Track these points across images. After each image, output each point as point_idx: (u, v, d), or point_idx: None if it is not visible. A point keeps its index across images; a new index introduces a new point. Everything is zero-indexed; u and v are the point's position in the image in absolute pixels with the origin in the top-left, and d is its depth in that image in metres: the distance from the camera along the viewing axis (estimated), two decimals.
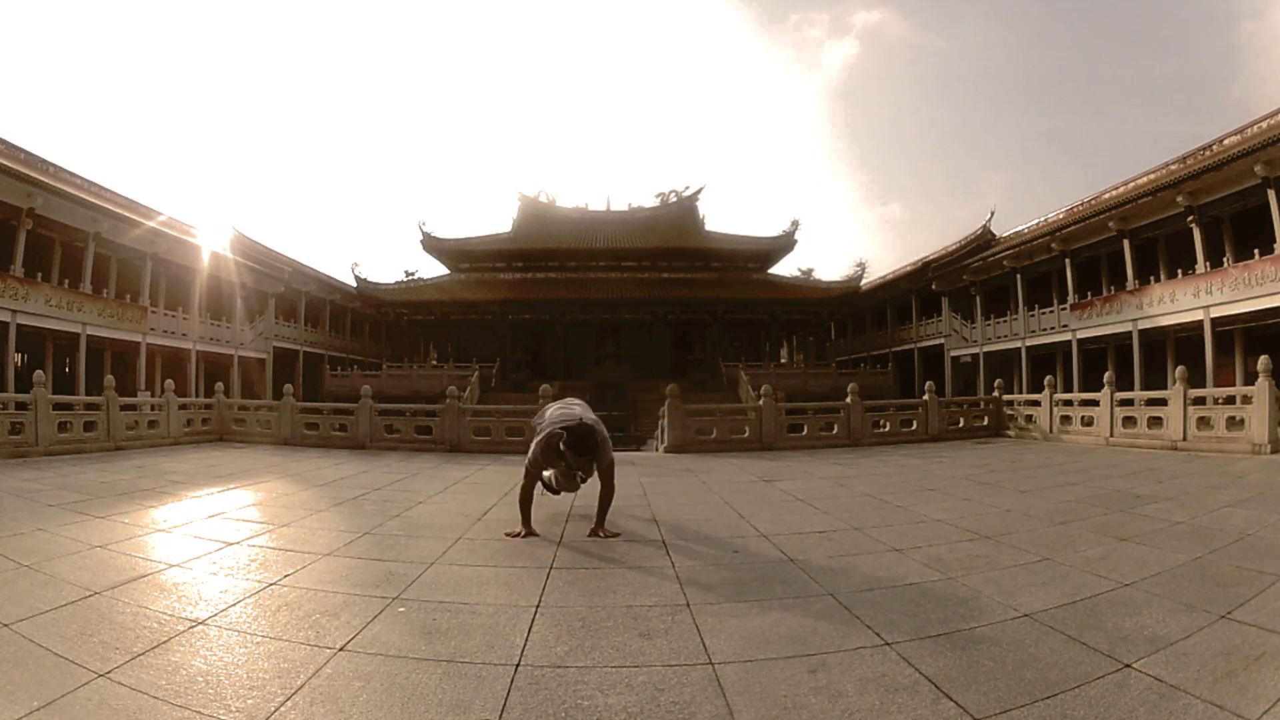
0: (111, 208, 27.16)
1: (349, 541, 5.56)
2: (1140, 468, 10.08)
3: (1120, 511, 6.61)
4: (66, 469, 10.33)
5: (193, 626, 3.49)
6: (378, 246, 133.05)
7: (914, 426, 16.41)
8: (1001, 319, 34.62)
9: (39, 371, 13.13)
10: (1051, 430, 15.99)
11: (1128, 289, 26.89)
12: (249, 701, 2.65)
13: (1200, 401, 13.93)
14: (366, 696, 2.70)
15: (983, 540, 5.53)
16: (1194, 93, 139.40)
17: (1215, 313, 22.69)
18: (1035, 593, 4.06)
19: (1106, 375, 15.22)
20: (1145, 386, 22.27)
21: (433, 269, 46.38)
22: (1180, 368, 13.94)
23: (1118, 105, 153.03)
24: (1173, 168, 26.77)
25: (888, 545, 5.39)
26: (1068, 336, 29.94)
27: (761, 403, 15.21)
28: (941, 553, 5.13)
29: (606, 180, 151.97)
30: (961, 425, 17.28)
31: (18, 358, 23.11)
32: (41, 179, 23.83)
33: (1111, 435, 14.33)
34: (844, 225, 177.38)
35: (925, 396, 16.80)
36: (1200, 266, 23.68)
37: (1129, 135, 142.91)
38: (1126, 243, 27.26)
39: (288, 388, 16.32)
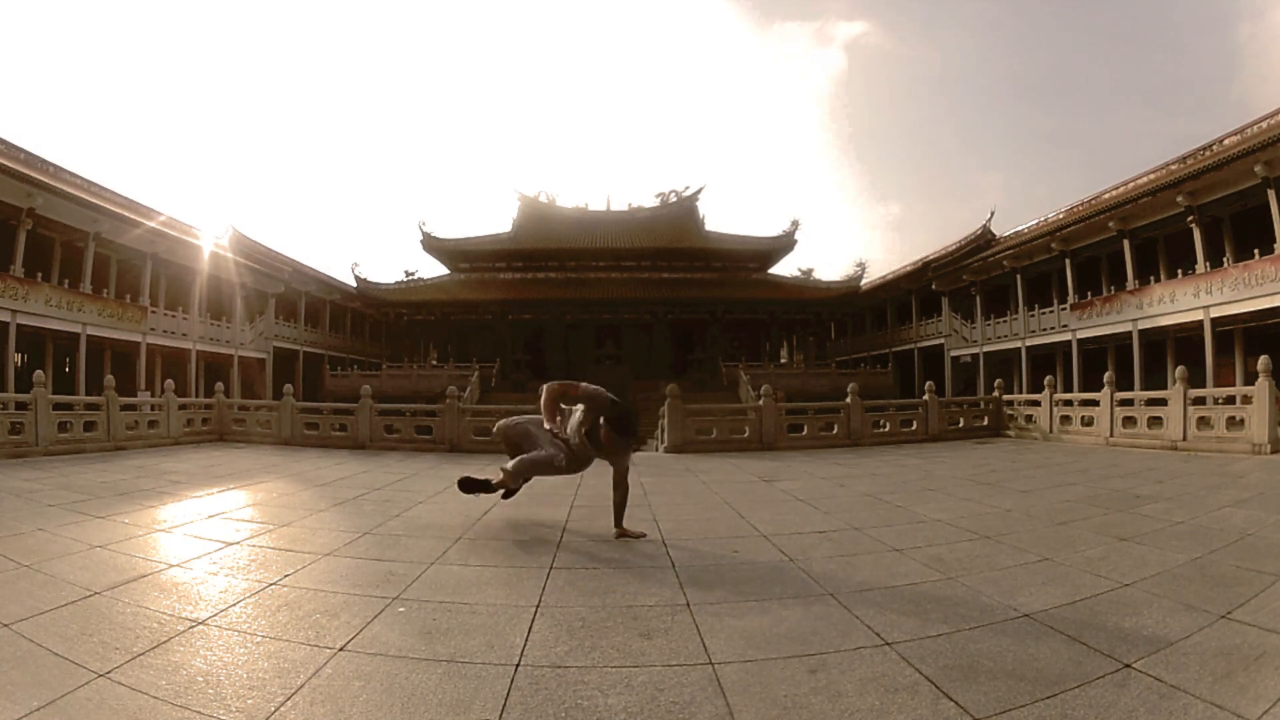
0: (111, 208, 27.18)
1: (349, 541, 5.54)
2: (1140, 468, 10.07)
3: (1120, 511, 6.60)
4: (66, 469, 10.30)
5: (193, 626, 3.48)
6: (378, 247, 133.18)
7: (914, 426, 16.40)
8: (1001, 319, 34.68)
9: (39, 371, 13.11)
10: (1051, 430, 15.98)
11: (1128, 289, 26.93)
12: (249, 701, 2.64)
13: (1200, 401, 13.92)
14: (366, 697, 2.69)
15: (983, 540, 5.52)
16: (1194, 93, 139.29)
17: (1215, 313, 22.72)
18: (1035, 593, 4.05)
19: (1106, 375, 15.22)
20: (1145, 386, 22.29)
21: (433, 269, 46.45)
22: (1180, 368, 13.95)
23: (1118, 106, 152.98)
24: (1173, 168, 26.75)
25: (888, 545, 5.38)
26: (1068, 337, 29.98)
27: (761, 403, 15.20)
28: (941, 553, 5.13)
29: (606, 181, 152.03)
30: (961, 425, 17.28)
31: (18, 358, 23.10)
32: (41, 179, 23.83)
33: (1111, 435, 14.32)
34: (843, 226, 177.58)
35: (925, 396, 16.81)
36: (1200, 266, 23.71)
37: (1129, 135, 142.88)
38: (1127, 243, 27.30)
39: (288, 388, 16.31)
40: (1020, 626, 3.49)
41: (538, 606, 3.85)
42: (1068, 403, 16.31)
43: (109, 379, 14.50)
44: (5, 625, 3.41)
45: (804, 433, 15.50)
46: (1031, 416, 16.86)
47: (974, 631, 3.44)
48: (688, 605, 3.86)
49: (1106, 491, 7.92)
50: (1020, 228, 36.85)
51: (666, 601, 3.94)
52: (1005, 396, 18.37)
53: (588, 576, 4.53)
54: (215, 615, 3.67)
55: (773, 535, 5.78)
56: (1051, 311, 31.38)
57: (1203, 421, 12.85)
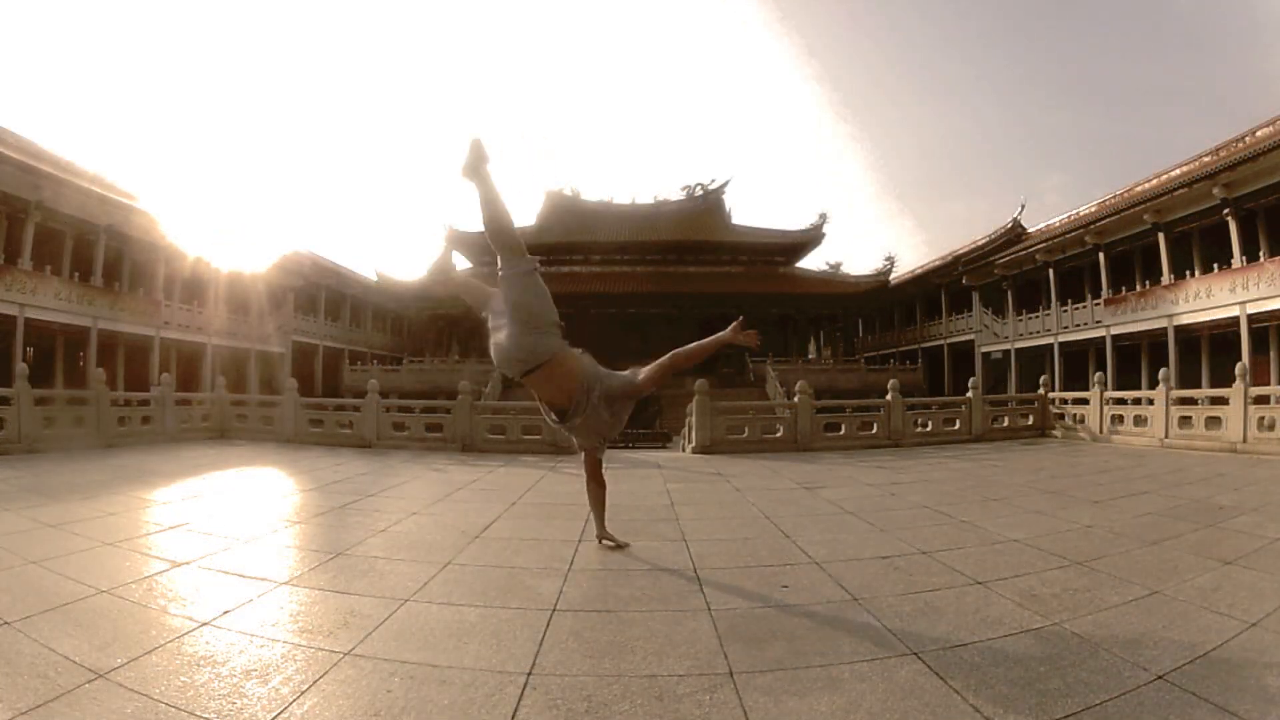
0: (123, 200, 26.74)
1: (316, 565, 4.67)
2: (1207, 473, 9.35)
3: (1209, 526, 5.86)
4: (44, 468, 9.58)
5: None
6: (402, 243, 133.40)
7: (957, 426, 15.48)
8: (1033, 314, 33.70)
9: (22, 364, 12.45)
10: (1101, 431, 15.04)
11: (1163, 284, 26.00)
12: None
13: (1262, 400, 12.93)
14: None
15: (1075, 567, 4.62)
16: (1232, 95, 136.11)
17: (1252, 309, 21.86)
18: (1159, 642, 3.27)
19: (1162, 373, 14.37)
20: (1180, 384, 21.46)
21: (458, 263, 45.99)
22: (1240, 364, 13.26)
23: (1171, 108, 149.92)
24: (1205, 159, 26.14)
25: (967, 576, 4.44)
26: (1101, 333, 29.01)
27: (797, 400, 14.31)
28: (1032, 585, 4.21)
29: (632, 174, 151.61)
30: (1005, 425, 16.35)
31: (26, 352, 22.57)
32: (51, 171, 23.46)
33: (1166, 436, 13.46)
34: (873, 221, 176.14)
35: (969, 394, 15.83)
36: (1236, 261, 22.87)
37: (1178, 137, 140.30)
38: (1161, 236, 26.30)
39: (291, 382, 15.45)
40: (1159, 696, 2.70)
41: (529, 673, 2.91)
42: (1119, 401, 15.37)
43: (98, 372, 13.81)
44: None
45: (841, 432, 14.58)
46: (1080, 416, 15.88)
47: (1108, 709, 2.61)
48: (730, 674, 2.91)
49: (1185, 501, 7.15)
50: (1052, 220, 36.48)
51: (702, 667, 2.99)
52: (1050, 395, 17.32)
53: (599, 625, 3.58)
54: (113, 671, 2.81)
55: (826, 563, 4.81)
56: (1084, 307, 30.46)
57: (1261, 422, 12.08)
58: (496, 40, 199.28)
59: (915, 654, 3.15)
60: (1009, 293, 35.55)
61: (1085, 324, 30.15)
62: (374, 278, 42.63)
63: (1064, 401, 16.84)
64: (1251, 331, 22.05)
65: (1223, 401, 12.93)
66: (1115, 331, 28.28)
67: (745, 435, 14.09)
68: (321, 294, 41.01)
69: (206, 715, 2.45)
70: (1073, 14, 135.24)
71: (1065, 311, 31.28)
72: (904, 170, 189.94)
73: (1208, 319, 23.81)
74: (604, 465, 5.09)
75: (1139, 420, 14.42)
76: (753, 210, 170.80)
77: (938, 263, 42.61)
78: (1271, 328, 22.73)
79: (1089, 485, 8.56)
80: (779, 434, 14.18)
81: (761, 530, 6.01)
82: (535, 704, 2.64)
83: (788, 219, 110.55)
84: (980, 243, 39.71)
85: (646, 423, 31.61)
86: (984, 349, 36.97)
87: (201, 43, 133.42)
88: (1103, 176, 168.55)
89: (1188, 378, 22.69)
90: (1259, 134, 24.11)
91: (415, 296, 42.74)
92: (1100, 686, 2.79)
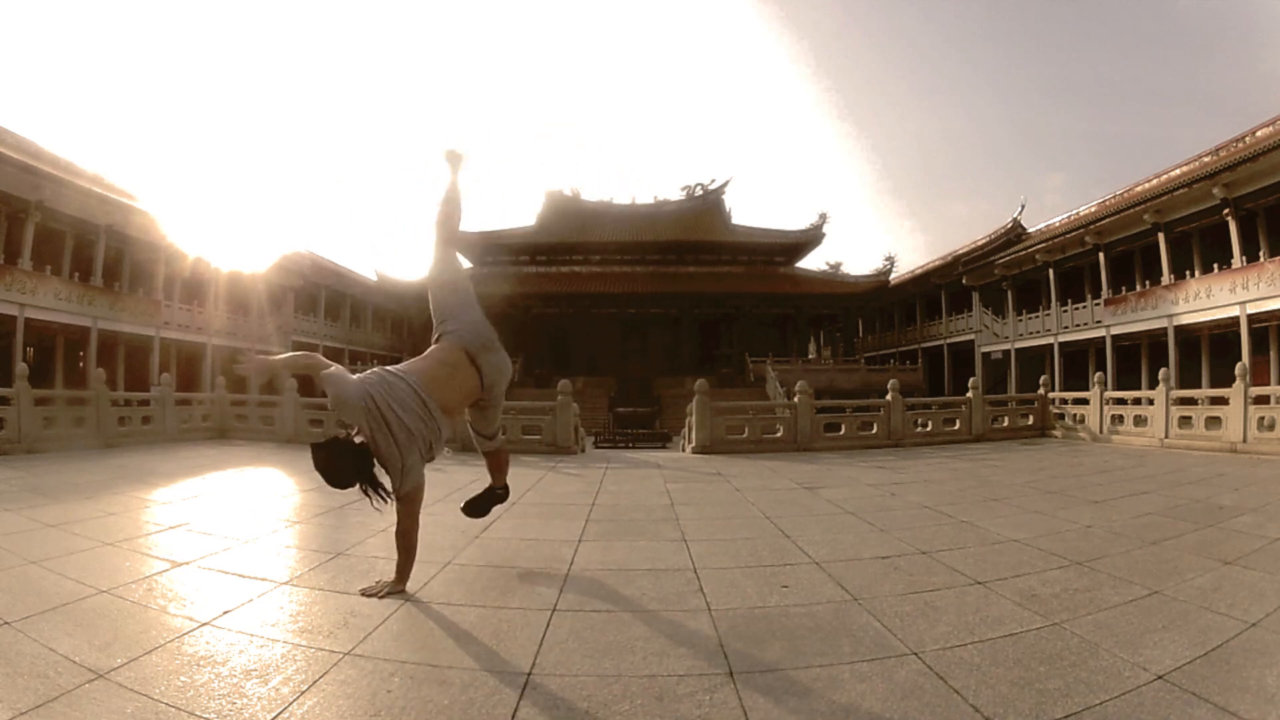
0: (123, 200, 26.72)
1: (316, 565, 4.68)
2: (1208, 473, 9.33)
3: (1209, 526, 5.84)
4: (43, 468, 9.57)
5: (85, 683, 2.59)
6: (402, 243, 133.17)
7: (957, 426, 15.50)
8: (1033, 314, 33.69)
9: (22, 364, 12.46)
10: (1101, 431, 15.06)
11: (1163, 284, 25.94)
12: None
13: (1263, 400, 12.93)
14: None
15: (1075, 567, 4.62)
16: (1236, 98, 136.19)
17: (1252, 309, 21.82)
18: (1159, 642, 3.25)
19: (1162, 372, 14.36)
20: (1181, 384, 21.44)
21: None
22: (1240, 364, 13.24)
23: (1171, 108, 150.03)
24: (1205, 159, 26.15)
25: (966, 576, 4.43)
26: (1101, 333, 28.97)
27: (797, 400, 14.30)
28: (1032, 585, 4.21)
29: (633, 174, 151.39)
30: (1005, 425, 16.36)
31: (27, 352, 22.58)
32: (51, 171, 23.44)
33: (1166, 436, 13.47)
34: (873, 221, 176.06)
35: (969, 394, 15.82)
36: (1237, 261, 22.83)
37: (1178, 137, 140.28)
38: (1161, 236, 26.26)
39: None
40: (1158, 695, 2.70)
41: (530, 673, 2.91)
42: (1120, 401, 15.40)
43: (98, 372, 13.83)
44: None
45: (841, 432, 14.60)
46: (1080, 416, 15.91)
47: (1109, 709, 2.60)
48: (730, 674, 2.90)
49: (1185, 502, 7.14)
50: (1053, 220, 36.51)
51: (702, 667, 2.99)
52: (1049, 395, 17.34)
53: (599, 625, 3.57)
54: (113, 671, 2.81)
55: (826, 562, 4.81)
56: (1084, 307, 30.48)
57: (1261, 422, 12.07)
58: (498, 39, 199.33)
59: (915, 653, 3.15)
60: (1009, 293, 35.54)
61: (1085, 324, 30.14)
62: (374, 278, 42.62)
63: (1064, 401, 16.86)
64: (1251, 331, 22.02)
65: (1223, 401, 12.91)
66: (1115, 331, 28.26)
67: (745, 435, 14.09)
68: (321, 294, 41.00)
69: (206, 715, 2.45)
70: (1074, 14, 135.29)
71: (1065, 311, 31.25)
72: (904, 171, 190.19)
73: (1208, 319, 23.78)
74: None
75: (1139, 420, 14.44)
76: (753, 210, 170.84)
77: (938, 263, 42.61)
78: (1271, 328, 22.74)
79: (1089, 485, 8.56)
80: (779, 434, 14.18)
81: (761, 530, 6.00)
82: (535, 704, 2.63)
83: (788, 219, 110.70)
84: (980, 243, 39.75)
85: (646, 423, 31.64)
86: (984, 349, 36.93)
87: (201, 41, 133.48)
88: (1103, 176, 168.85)
89: (1188, 378, 22.66)
90: (1259, 134, 24.12)
91: (415, 297, 42.73)
92: (1100, 686, 2.78)
